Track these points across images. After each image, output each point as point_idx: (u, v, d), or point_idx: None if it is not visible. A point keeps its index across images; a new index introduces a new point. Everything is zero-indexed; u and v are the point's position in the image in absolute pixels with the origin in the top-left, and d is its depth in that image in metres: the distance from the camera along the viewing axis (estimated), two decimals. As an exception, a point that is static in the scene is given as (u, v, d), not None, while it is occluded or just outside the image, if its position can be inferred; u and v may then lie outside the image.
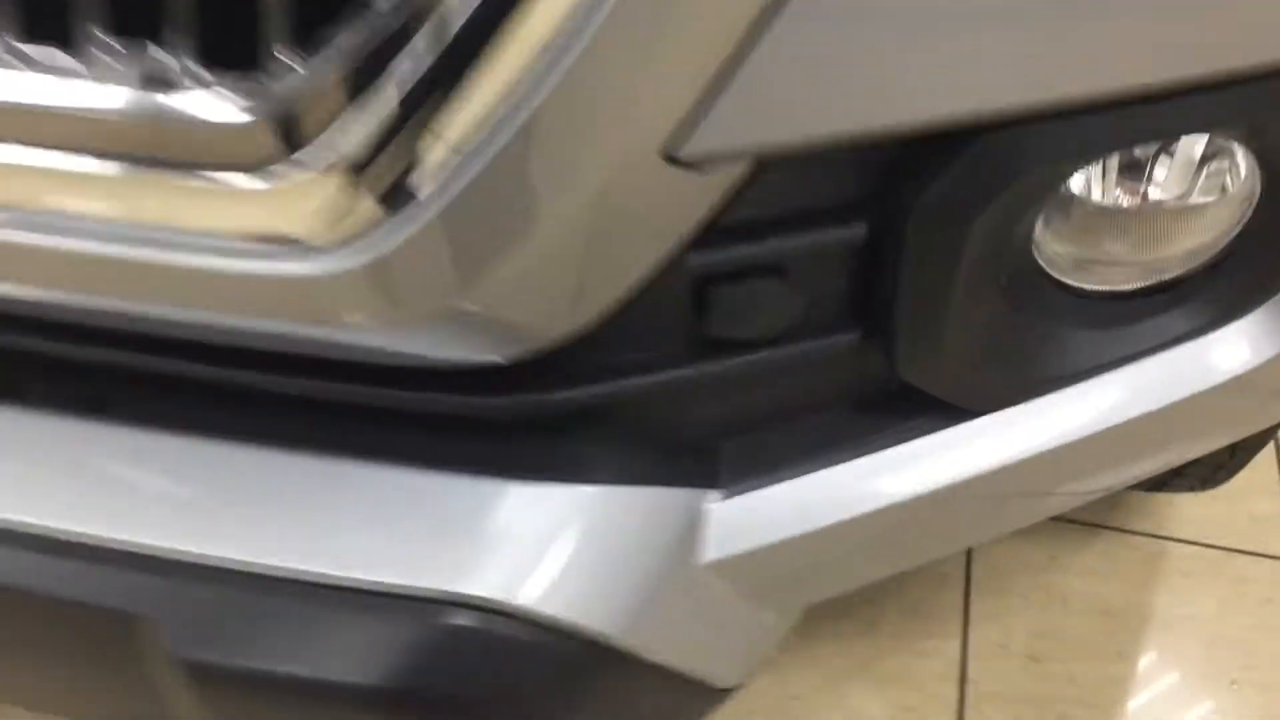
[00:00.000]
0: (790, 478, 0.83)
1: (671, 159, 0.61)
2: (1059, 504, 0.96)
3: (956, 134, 0.68)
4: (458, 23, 0.56)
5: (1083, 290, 0.82)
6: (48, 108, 0.61)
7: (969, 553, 1.78)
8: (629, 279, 0.69)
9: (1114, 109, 0.70)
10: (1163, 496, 1.86)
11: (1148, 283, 0.84)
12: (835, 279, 0.76)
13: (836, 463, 0.83)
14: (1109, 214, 0.83)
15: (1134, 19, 0.65)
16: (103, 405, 0.79)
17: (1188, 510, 1.86)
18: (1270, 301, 0.83)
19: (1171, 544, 1.79)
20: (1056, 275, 0.81)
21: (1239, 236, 0.82)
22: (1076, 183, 0.81)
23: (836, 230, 0.72)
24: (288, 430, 0.78)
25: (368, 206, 0.61)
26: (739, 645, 0.91)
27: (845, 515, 0.82)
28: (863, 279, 0.75)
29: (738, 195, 0.68)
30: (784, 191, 0.71)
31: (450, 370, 0.76)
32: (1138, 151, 0.81)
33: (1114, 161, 0.82)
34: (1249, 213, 0.81)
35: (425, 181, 0.61)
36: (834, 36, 0.59)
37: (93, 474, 0.76)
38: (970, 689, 1.63)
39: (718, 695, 0.90)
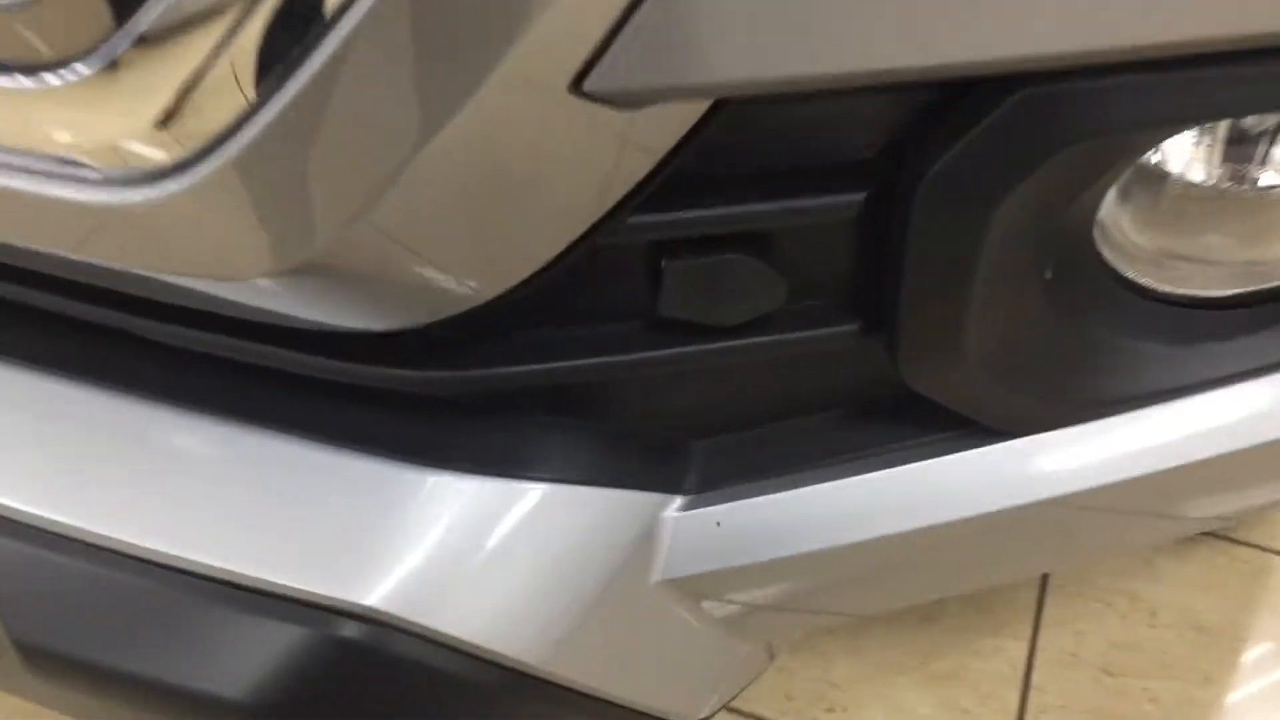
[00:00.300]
0: (771, 491, 0.68)
1: (579, 91, 0.46)
2: (1117, 545, 0.79)
3: (986, 83, 0.52)
4: None
5: (1160, 293, 0.65)
6: None
7: (1047, 547, 1.67)
8: (557, 236, 0.55)
9: (1211, 65, 0.52)
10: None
11: (1249, 289, 0.66)
12: (827, 258, 0.60)
13: (830, 478, 0.68)
14: (1207, 199, 0.65)
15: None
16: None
17: (1308, 522, 1.71)
18: None
19: (1282, 559, 1.62)
20: (1125, 271, 0.64)
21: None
22: (1168, 154, 0.64)
23: (827, 197, 0.56)
24: (166, 382, 0.66)
25: (229, 96, 0.47)
26: (703, 676, 0.77)
27: (835, 541, 0.67)
28: (862, 260, 0.59)
29: (690, 146, 0.52)
30: (759, 145, 0.55)
31: (362, 333, 0.62)
32: (1250, 122, 0.63)
33: (1220, 131, 0.64)
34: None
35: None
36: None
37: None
38: (1033, 696, 1.51)
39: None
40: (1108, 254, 0.64)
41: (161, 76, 0.46)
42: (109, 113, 0.48)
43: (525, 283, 0.57)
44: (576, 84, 0.47)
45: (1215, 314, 0.65)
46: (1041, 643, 1.57)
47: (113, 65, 0.46)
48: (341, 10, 0.44)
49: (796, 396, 0.68)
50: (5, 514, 0.63)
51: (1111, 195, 0.64)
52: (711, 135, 0.53)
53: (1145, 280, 0.65)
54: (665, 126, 0.51)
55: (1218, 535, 1.70)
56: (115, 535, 0.63)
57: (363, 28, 0.44)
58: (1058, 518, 0.68)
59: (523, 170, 0.51)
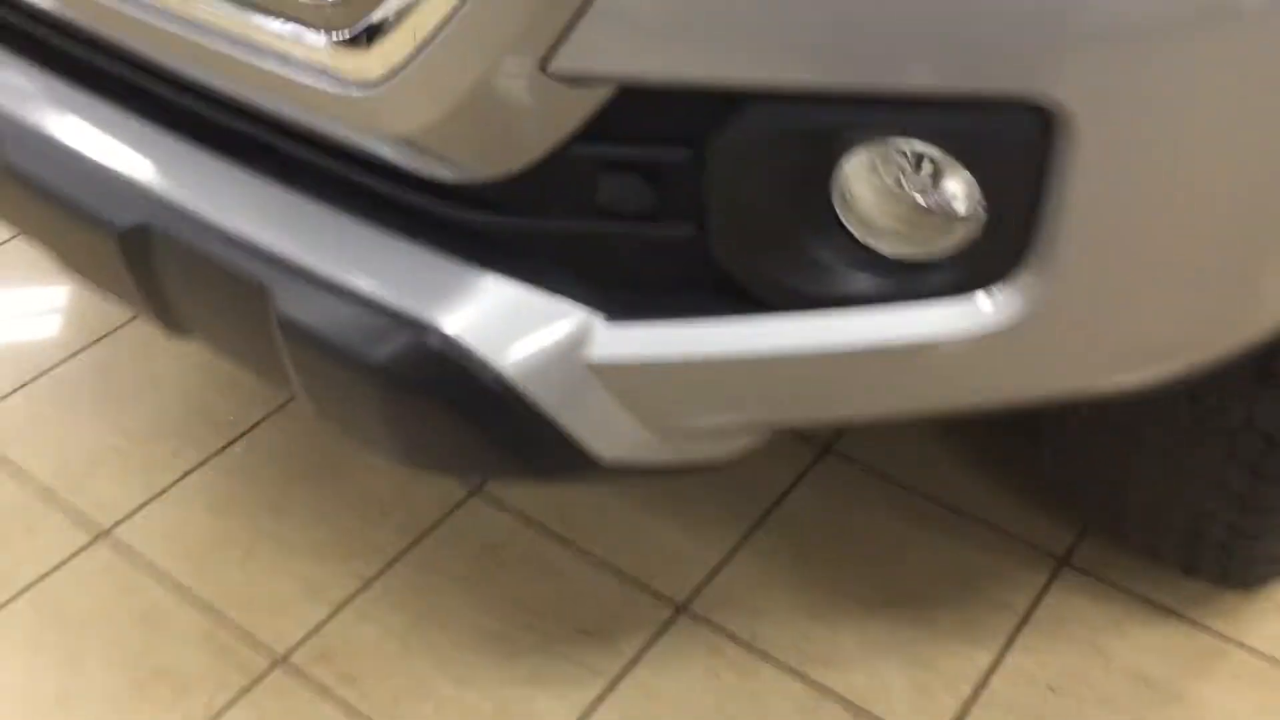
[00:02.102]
0: (653, 323, 1.27)
1: (545, 71, 1.11)
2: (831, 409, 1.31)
3: (747, 95, 1.11)
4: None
5: (867, 246, 1.20)
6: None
7: (1038, 595, 1.96)
8: (538, 147, 1.18)
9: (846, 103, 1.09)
10: (1258, 604, 1.93)
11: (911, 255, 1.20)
12: (677, 184, 1.19)
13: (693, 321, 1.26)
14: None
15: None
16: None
17: (1275, 625, 1.88)
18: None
19: (1237, 648, 1.84)
20: (853, 229, 1.20)
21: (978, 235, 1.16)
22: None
23: (669, 149, 1.16)
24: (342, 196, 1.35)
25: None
26: (612, 429, 1.35)
27: (685, 356, 1.25)
28: (694, 187, 1.19)
29: (608, 108, 1.13)
30: (644, 112, 1.13)
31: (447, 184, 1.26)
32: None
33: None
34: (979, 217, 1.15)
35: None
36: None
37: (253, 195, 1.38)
38: (983, 694, 1.78)
39: (591, 465, 1.33)
40: (846, 217, 1.19)
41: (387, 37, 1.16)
42: (350, 58, 1.18)
43: (524, 173, 1.20)
44: (543, 67, 1.11)
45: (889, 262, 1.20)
46: (1006, 661, 1.84)
47: (353, 39, 1.17)
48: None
49: (673, 268, 1.25)
50: (283, 252, 1.33)
51: (864, 184, 1.19)
52: (617, 104, 1.14)
53: (862, 236, 1.20)
54: (594, 96, 1.13)
55: (1188, 618, 1.88)
56: (336, 274, 1.32)
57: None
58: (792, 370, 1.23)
59: (515, 111, 1.15)
